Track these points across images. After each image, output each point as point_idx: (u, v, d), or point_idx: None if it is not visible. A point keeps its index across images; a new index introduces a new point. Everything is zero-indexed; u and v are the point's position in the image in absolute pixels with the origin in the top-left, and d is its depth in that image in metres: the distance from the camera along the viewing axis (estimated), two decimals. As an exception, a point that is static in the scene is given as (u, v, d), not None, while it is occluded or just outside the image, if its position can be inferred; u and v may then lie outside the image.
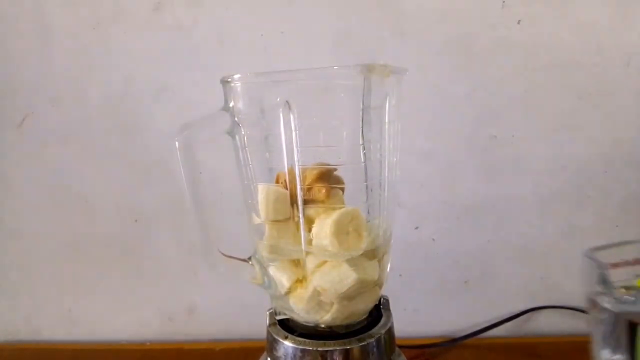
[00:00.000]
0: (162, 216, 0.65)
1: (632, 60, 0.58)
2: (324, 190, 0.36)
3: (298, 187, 0.36)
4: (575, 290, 0.64)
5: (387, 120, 0.38)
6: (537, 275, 0.65)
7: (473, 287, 0.65)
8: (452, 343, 0.63)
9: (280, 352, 0.38)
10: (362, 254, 0.37)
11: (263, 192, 0.38)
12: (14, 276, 0.69)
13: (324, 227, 0.36)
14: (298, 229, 0.37)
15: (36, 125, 0.64)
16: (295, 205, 0.37)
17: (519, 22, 0.58)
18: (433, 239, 0.64)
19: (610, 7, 0.57)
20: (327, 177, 0.37)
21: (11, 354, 0.67)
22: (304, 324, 0.40)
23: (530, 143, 0.61)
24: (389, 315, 0.41)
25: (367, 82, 0.35)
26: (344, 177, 0.39)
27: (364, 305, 0.40)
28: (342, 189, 0.38)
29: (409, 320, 0.66)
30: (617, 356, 0.37)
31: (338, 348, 0.37)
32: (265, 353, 0.41)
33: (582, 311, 0.64)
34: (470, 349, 0.62)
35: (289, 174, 0.37)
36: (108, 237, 0.66)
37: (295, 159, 0.36)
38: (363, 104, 0.36)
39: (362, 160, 0.38)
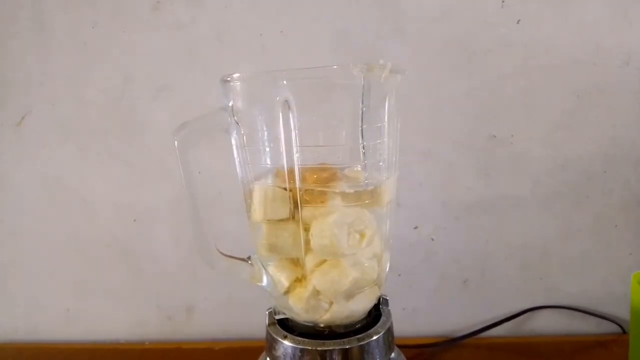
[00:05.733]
0: (161, 215, 0.65)
1: (632, 59, 0.58)
2: (324, 191, 0.36)
3: (297, 186, 0.36)
4: (574, 290, 0.65)
5: (386, 120, 0.38)
6: (536, 275, 0.65)
7: (472, 287, 0.65)
8: (451, 343, 0.63)
9: (280, 352, 0.38)
10: (361, 253, 0.37)
11: (261, 191, 0.38)
12: (12, 275, 0.68)
13: (323, 227, 0.36)
14: (297, 228, 0.37)
15: (35, 124, 0.64)
16: (294, 204, 0.37)
17: (518, 22, 0.58)
18: (432, 239, 0.64)
19: (610, 7, 0.57)
20: (328, 179, 0.37)
21: (9, 354, 0.67)
22: (303, 323, 0.39)
23: (529, 143, 0.61)
24: (388, 315, 0.41)
25: (366, 81, 0.35)
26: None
27: (363, 305, 0.40)
28: (343, 189, 0.38)
29: (408, 320, 0.66)
30: None
31: (337, 348, 0.37)
32: (264, 353, 0.41)
33: (581, 311, 0.64)
34: (470, 349, 0.62)
35: (289, 173, 0.37)
36: (107, 237, 0.66)
37: (295, 158, 0.36)
38: (362, 103, 0.36)
39: (362, 159, 0.38)
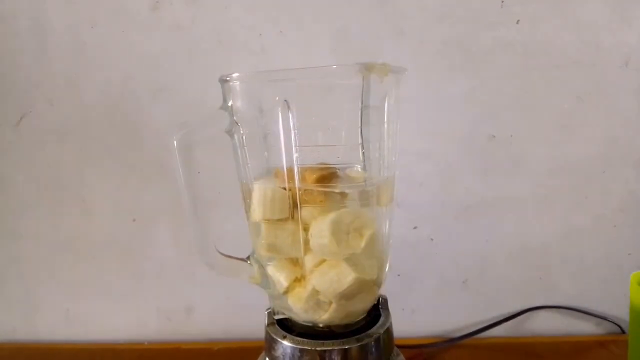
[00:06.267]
0: (161, 216, 0.65)
1: (631, 60, 0.58)
2: (323, 191, 0.36)
3: (297, 186, 0.36)
4: (573, 291, 0.65)
5: (385, 120, 0.38)
6: (536, 275, 0.65)
7: (471, 287, 0.65)
8: (450, 343, 0.63)
9: (279, 352, 0.38)
10: (360, 253, 0.37)
11: (260, 191, 0.38)
12: (11, 275, 0.68)
13: (322, 226, 0.36)
14: (296, 228, 0.37)
15: (34, 124, 0.64)
16: (294, 204, 0.37)
17: (517, 22, 0.58)
18: (431, 239, 0.64)
19: (609, 7, 0.58)
20: (328, 178, 0.37)
21: (8, 354, 0.67)
22: (303, 323, 0.39)
23: (528, 143, 0.61)
24: (388, 315, 0.41)
25: (366, 81, 0.35)
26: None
27: (362, 305, 0.40)
28: (343, 189, 0.38)
29: (408, 320, 0.66)
30: None
31: (336, 348, 0.37)
32: (263, 353, 0.41)
33: (581, 311, 0.64)
34: (469, 349, 0.62)
35: (288, 173, 0.37)
36: (106, 237, 0.66)
37: (294, 158, 0.36)
38: (362, 103, 0.36)
39: (361, 159, 0.38)
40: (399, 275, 0.64)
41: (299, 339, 0.38)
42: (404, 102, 0.40)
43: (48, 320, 0.69)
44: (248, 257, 0.41)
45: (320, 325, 0.39)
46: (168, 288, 0.67)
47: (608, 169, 0.61)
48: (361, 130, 0.37)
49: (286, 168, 0.37)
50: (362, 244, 0.37)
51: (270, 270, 0.39)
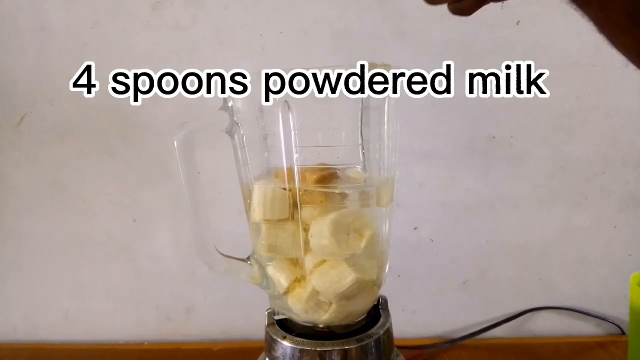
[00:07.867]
0: (161, 216, 0.65)
1: (631, 61, 0.58)
2: (323, 191, 0.36)
3: (297, 186, 0.36)
4: (573, 291, 0.65)
5: (386, 120, 0.38)
6: (536, 276, 0.65)
7: (471, 288, 0.65)
8: (450, 343, 0.63)
9: (279, 352, 0.38)
10: (360, 254, 0.37)
11: (261, 191, 0.38)
12: (11, 275, 0.68)
13: (322, 227, 0.36)
14: (297, 228, 0.37)
15: (34, 124, 0.64)
16: (294, 204, 0.37)
17: (517, 23, 0.58)
18: (432, 240, 0.64)
19: (609, 8, 0.57)
20: (328, 179, 0.37)
21: (8, 354, 0.67)
22: (303, 324, 0.39)
23: (528, 143, 0.61)
24: (388, 316, 0.41)
25: (366, 81, 0.35)
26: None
27: (362, 305, 0.40)
28: (343, 190, 0.38)
29: (408, 321, 0.66)
30: None
31: (336, 348, 0.37)
32: (263, 353, 0.41)
33: (581, 312, 0.64)
34: (469, 350, 0.62)
35: (288, 173, 0.37)
36: (106, 237, 0.66)
37: (294, 158, 0.36)
38: (362, 103, 0.36)
39: (361, 160, 0.38)
40: (399, 275, 0.64)
41: (298, 339, 0.38)
42: (405, 103, 0.40)
43: (48, 321, 0.69)
44: (248, 258, 0.41)
45: (320, 325, 0.39)
46: (168, 288, 0.67)
47: (608, 170, 0.61)
48: (361, 131, 0.37)
49: (286, 168, 0.37)
50: (362, 244, 0.37)
51: (270, 270, 0.39)
